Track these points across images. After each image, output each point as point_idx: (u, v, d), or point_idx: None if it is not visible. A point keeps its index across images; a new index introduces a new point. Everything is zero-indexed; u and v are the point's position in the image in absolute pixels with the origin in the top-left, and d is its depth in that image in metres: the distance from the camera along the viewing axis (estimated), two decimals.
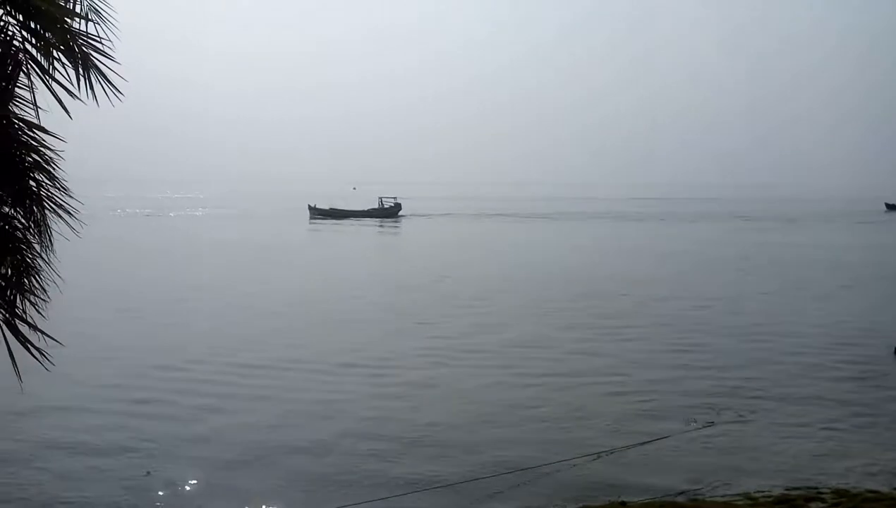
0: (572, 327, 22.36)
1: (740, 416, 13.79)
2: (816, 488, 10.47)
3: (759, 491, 10.42)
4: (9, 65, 5.38)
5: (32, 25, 5.73)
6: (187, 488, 10.75)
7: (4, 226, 5.74)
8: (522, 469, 11.16)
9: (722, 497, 10.32)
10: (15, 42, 5.45)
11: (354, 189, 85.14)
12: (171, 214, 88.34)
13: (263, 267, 37.40)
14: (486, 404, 14.53)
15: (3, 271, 5.70)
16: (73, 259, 6.95)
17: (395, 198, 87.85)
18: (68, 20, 5.98)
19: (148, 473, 11.11)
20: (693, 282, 32.45)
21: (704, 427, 13.16)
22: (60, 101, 5.64)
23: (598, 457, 11.71)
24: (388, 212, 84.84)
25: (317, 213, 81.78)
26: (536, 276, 34.29)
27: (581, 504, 10.17)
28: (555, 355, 18.58)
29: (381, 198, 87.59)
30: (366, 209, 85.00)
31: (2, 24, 5.41)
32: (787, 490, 10.47)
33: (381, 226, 72.72)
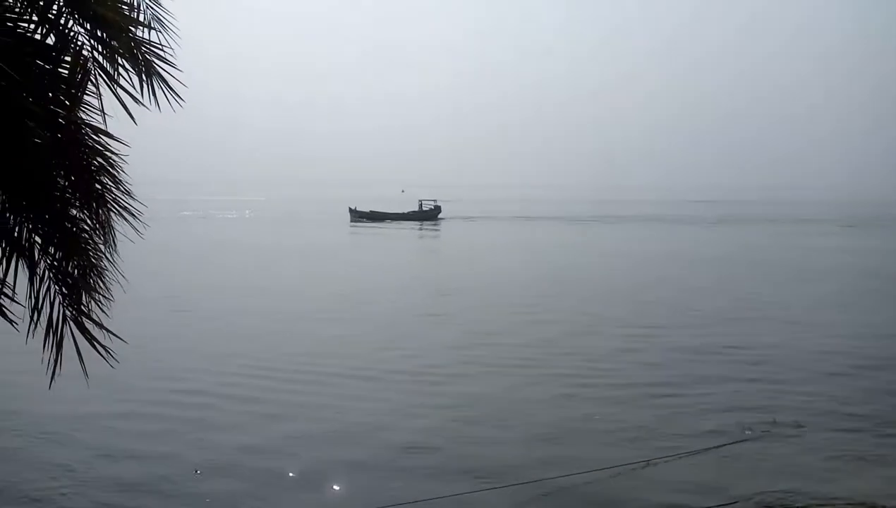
0: (617, 332, 22.11)
1: (799, 426, 13.37)
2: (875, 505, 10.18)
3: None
4: (78, 73, 5.57)
5: (100, 34, 5.94)
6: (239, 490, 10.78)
7: (73, 227, 5.94)
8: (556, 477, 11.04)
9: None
10: (84, 51, 5.64)
11: (403, 191, 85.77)
12: (230, 215, 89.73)
13: (306, 270, 37.75)
14: (540, 413, 14.31)
15: (71, 270, 5.89)
16: (135, 259, 7.10)
17: (435, 200, 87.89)
18: (133, 28, 6.19)
19: (197, 472, 11.13)
20: (756, 288, 31.43)
21: (758, 437, 12.85)
22: (126, 107, 5.82)
23: (648, 465, 11.54)
24: (428, 215, 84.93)
25: (357, 216, 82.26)
26: (582, 281, 33.92)
27: None
28: (606, 363, 18.29)
29: (421, 200, 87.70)
30: (406, 212, 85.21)
31: (72, 34, 5.60)
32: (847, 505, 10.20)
33: (420, 228, 72.84)
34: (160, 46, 6.37)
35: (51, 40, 5.75)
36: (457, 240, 61.15)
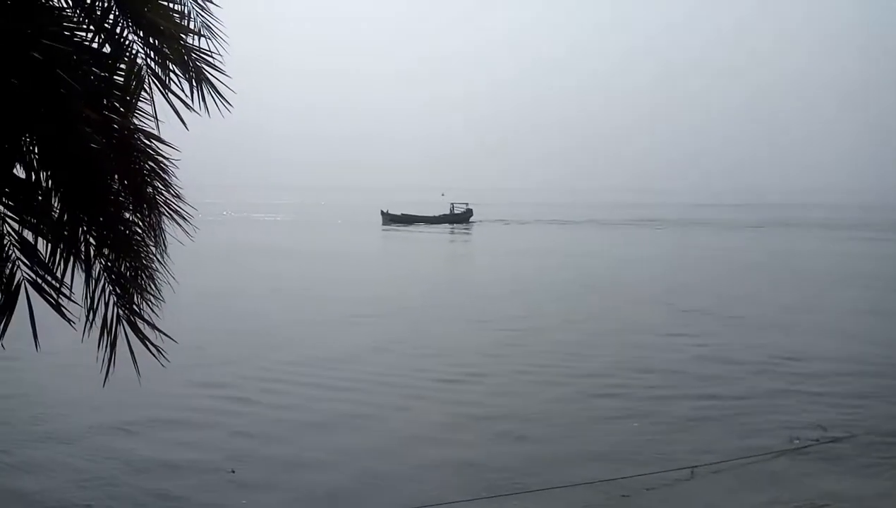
0: (660, 338, 21.96)
1: (848, 437, 13.11)
2: None
3: None
4: (133, 80, 5.74)
5: (152, 41, 6.12)
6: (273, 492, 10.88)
7: (125, 230, 6.12)
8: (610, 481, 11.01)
9: None
10: (138, 59, 5.81)
11: (443, 194, 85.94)
12: (270, 218, 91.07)
13: (343, 274, 38.04)
14: (581, 419, 14.25)
15: (124, 271, 6.07)
16: (184, 261, 7.27)
17: (466, 203, 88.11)
18: (183, 36, 6.36)
19: (233, 471, 11.28)
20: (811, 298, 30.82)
21: (806, 445, 12.65)
22: (178, 113, 5.99)
23: (693, 474, 11.41)
24: (460, 218, 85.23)
25: (389, 219, 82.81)
26: (620, 284, 33.70)
27: None
28: (651, 367, 18.16)
29: (452, 203, 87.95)
30: (437, 215, 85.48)
31: (127, 42, 5.78)
32: None
33: (452, 232, 72.98)
34: (209, 53, 6.53)
35: (105, 48, 5.95)
36: (492, 243, 61.12)
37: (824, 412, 14.46)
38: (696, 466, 11.49)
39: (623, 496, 10.56)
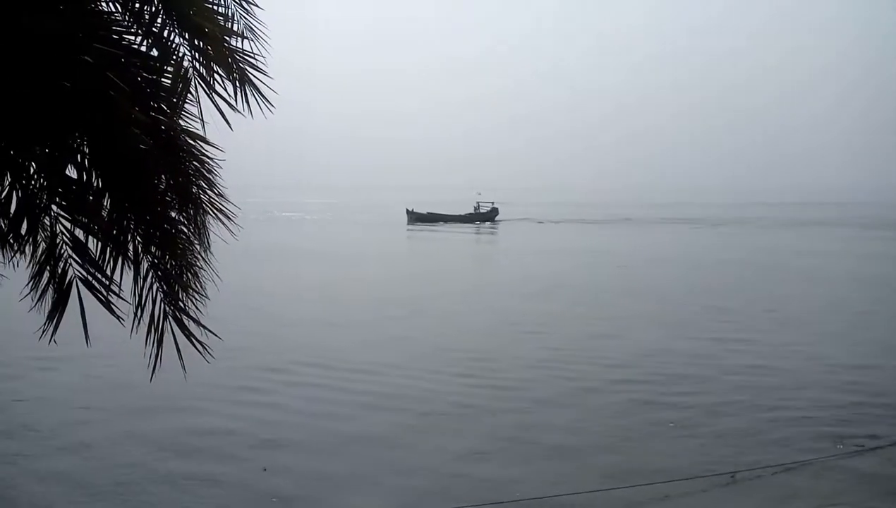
0: (698, 335, 21.80)
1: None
2: None
3: None
4: (179, 82, 5.86)
5: (197, 43, 6.24)
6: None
7: (171, 228, 6.25)
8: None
9: None
10: (184, 62, 5.93)
11: (479, 194, 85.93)
12: (307, 217, 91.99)
13: (372, 269, 38.26)
14: (621, 421, 14.16)
15: (170, 269, 6.20)
16: (227, 260, 7.40)
17: (492, 202, 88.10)
18: (227, 38, 6.47)
19: (265, 469, 11.55)
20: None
21: (851, 452, 12.45)
22: (223, 114, 6.10)
23: (734, 478, 11.29)
24: (485, 217, 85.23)
25: (414, 218, 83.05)
26: (653, 285, 33.40)
27: None
28: (688, 370, 18.00)
29: (478, 202, 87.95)
30: (463, 214, 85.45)
31: (174, 45, 5.90)
32: None
33: (477, 231, 72.92)
34: (252, 55, 6.64)
35: (153, 51, 6.08)
36: (521, 242, 60.92)
37: (875, 422, 14.12)
38: (736, 472, 11.38)
39: (665, 496, 10.57)
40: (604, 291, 31.48)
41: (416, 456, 12.36)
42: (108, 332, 6.33)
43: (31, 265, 6.50)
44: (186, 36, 6.25)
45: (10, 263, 6.68)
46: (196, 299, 6.39)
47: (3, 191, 5.41)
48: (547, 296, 29.87)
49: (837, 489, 11.07)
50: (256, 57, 6.67)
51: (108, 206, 5.84)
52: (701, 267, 41.09)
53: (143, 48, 5.91)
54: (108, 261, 5.69)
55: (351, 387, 16.16)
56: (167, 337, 5.98)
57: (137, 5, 5.90)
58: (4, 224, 5.44)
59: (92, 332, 5.47)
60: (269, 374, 17.11)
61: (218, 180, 6.56)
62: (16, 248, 5.51)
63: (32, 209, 5.39)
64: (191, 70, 6.03)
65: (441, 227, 76.43)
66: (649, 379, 17.13)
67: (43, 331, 5.62)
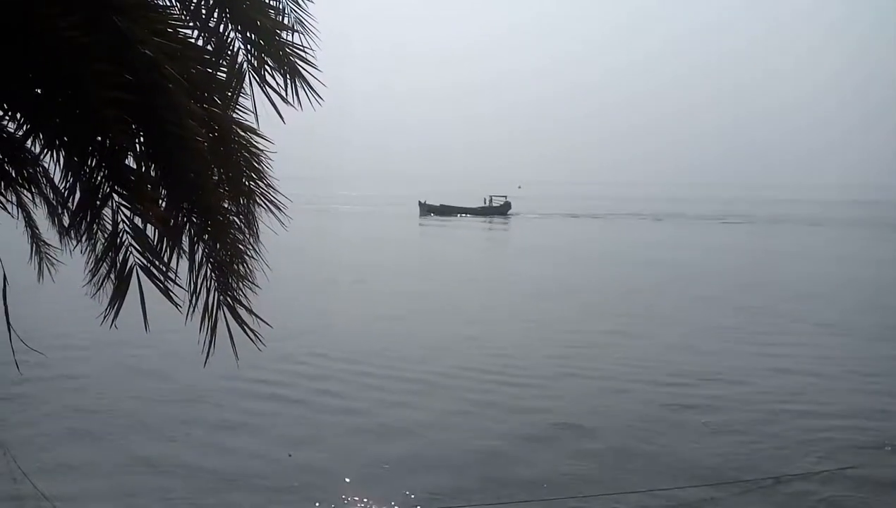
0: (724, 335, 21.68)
1: None
2: None
3: None
4: (234, 76, 6.00)
5: (250, 36, 6.37)
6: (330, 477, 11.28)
7: (223, 219, 6.40)
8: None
9: None
10: (239, 56, 6.07)
11: (520, 187, 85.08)
12: (345, 208, 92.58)
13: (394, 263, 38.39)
14: (656, 422, 14.14)
15: (222, 258, 6.35)
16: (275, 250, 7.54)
17: (505, 196, 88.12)
18: (279, 32, 6.60)
19: (290, 455, 11.83)
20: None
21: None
22: (276, 107, 6.23)
23: (778, 481, 11.26)
24: (498, 211, 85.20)
25: (427, 210, 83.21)
26: (677, 284, 33.02)
27: None
28: (731, 367, 17.89)
29: (490, 196, 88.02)
30: (475, 207, 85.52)
31: (228, 39, 6.03)
32: None
33: (490, 225, 72.80)
34: (302, 48, 6.75)
35: (208, 45, 6.21)
36: (534, 236, 60.58)
37: None
38: (781, 476, 11.34)
39: (704, 499, 10.58)
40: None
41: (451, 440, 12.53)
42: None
43: (86, 252, 6.69)
44: (240, 29, 6.38)
45: (69, 251, 6.88)
46: (248, 288, 6.53)
47: (66, 183, 5.58)
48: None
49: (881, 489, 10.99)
50: (306, 50, 6.78)
51: (165, 196, 6.00)
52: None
53: (199, 42, 6.05)
54: (165, 250, 5.85)
55: None
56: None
57: (194, 1, 6.04)
58: (68, 213, 5.62)
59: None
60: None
61: (268, 171, 6.70)
62: (79, 237, 5.67)
63: (94, 199, 5.55)
64: (245, 64, 6.16)
65: (452, 220, 76.17)
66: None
67: (104, 317, 5.79)
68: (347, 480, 11.11)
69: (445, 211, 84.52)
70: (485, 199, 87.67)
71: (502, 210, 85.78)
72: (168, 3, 6.00)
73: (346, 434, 12.99)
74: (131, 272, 5.61)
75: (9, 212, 7.08)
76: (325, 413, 14.11)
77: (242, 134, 6.54)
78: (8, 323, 7.03)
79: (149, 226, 5.65)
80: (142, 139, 5.90)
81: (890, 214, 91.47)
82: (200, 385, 14.76)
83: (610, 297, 28.93)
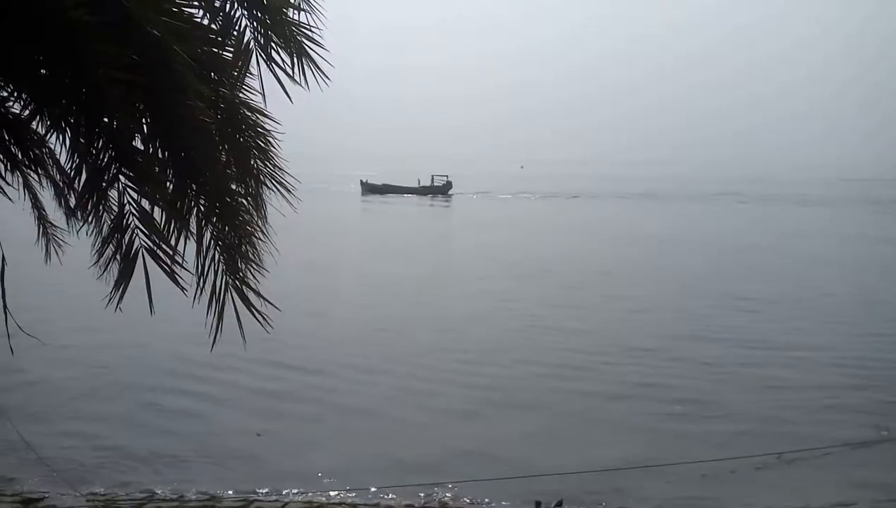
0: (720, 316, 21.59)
1: None
2: None
3: None
4: (241, 56, 5.92)
5: (256, 13, 6.28)
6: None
7: (230, 200, 6.34)
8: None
9: None
10: (246, 35, 5.99)
11: (522, 167, 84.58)
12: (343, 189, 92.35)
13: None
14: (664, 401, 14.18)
15: (230, 240, 6.29)
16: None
17: (446, 175, 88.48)
18: (285, 10, 6.49)
19: (258, 435, 11.97)
20: None
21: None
22: (283, 87, 6.15)
23: (780, 458, 11.30)
24: (440, 190, 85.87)
25: (368, 189, 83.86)
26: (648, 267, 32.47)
27: None
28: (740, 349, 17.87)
29: (433, 175, 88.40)
30: (417, 186, 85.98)
31: (234, 17, 5.95)
32: None
33: (432, 204, 73.28)
34: (308, 27, 6.64)
35: (214, 24, 6.12)
36: (484, 217, 59.31)
37: None
38: (783, 452, 11.39)
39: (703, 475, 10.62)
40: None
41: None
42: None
43: (94, 234, 6.63)
44: (246, 6, 6.29)
45: (75, 232, 6.83)
46: (256, 271, 6.48)
47: (72, 164, 5.54)
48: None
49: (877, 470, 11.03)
50: (313, 29, 6.67)
51: (172, 178, 5.95)
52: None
53: (206, 21, 5.96)
54: (173, 233, 5.80)
55: None
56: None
57: None
58: (74, 194, 5.57)
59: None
60: None
61: (275, 152, 6.63)
62: (85, 218, 5.63)
63: (101, 180, 5.50)
64: (251, 42, 6.08)
65: (394, 199, 76.23)
66: None
67: (109, 299, 5.75)
68: None
69: (387, 190, 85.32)
70: (431, 178, 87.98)
71: (444, 189, 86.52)
72: None
73: None
74: (137, 254, 5.57)
75: (8, 198, 7.02)
76: None
77: (250, 114, 6.46)
78: (4, 305, 6.97)
79: (155, 208, 5.60)
80: (148, 120, 5.85)
81: None
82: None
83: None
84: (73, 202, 7.27)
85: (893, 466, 11.45)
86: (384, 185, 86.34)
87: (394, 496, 10.04)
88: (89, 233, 6.73)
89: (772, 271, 30.15)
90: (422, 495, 10.12)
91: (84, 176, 5.47)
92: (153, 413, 13.07)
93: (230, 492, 10.11)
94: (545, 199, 79.42)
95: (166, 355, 15.97)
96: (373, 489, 10.27)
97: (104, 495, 9.81)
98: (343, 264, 31.98)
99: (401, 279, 27.27)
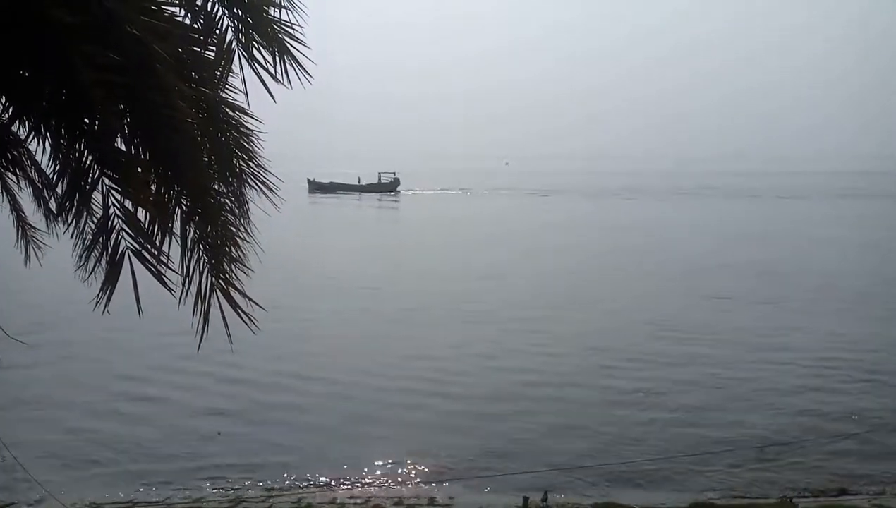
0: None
1: None
2: None
3: None
4: (223, 55, 5.88)
5: (237, 12, 6.23)
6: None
7: (213, 200, 6.30)
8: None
9: None
10: (227, 34, 5.94)
11: (507, 164, 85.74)
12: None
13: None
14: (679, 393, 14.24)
15: (213, 240, 6.25)
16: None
17: (394, 173, 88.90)
18: (266, 8, 6.45)
19: (219, 433, 12.06)
20: None
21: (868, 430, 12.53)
22: (266, 86, 6.12)
23: (786, 447, 11.46)
24: (387, 187, 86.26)
25: (315, 187, 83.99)
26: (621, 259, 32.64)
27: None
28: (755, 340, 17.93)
29: (380, 173, 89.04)
30: (364, 183, 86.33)
31: (217, 17, 5.90)
32: None
33: (380, 201, 73.47)
34: (290, 25, 6.61)
35: (195, 23, 6.07)
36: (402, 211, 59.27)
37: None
38: (764, 446, 11.56)
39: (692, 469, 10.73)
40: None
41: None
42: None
43: (75, 236, 6.56)
44: (227, 5, 6.24)
45: (55, 235, 6.75)
46: (241, 271, 6.44)
47: (54, 167, 5.47)
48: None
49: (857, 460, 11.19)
50: (294, 27, 6.63)
51: (154, 179, 5.90)
52: None
53: (187, 21, 5.92)
54: (157, 234, 5.75)
55: None
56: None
57: None
58: (55, 196, 5.50)
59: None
60: None
61: (259, 152, 6.59)
62: (67, 221, 5.56)
63: (83, 183, 5.44)
64: (233, 42, 6.04)
65: (343, 197, 76.17)
66: None
67: (97, 302, 5.70)
68: None
69: (334, 187, 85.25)
70: (378, 175, 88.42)
71: (391, 187, 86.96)
72: None
73: None
74: (123, 256, 5.52)
75: None
76: None
77: (232, 114, 6.42)
78: None
79: (139, 209, 5.55)
80: (130, 121, 5.79)
81: None
82: None
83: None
84: (52, 204, 7.19)
85: None
86: (331, 183, 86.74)
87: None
88: (72, 235, 6.65)
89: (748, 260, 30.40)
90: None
91: (66, 178, 5.40)
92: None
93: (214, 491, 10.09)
94: (522, 197, 79.53)
95: None
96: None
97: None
98: None
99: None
